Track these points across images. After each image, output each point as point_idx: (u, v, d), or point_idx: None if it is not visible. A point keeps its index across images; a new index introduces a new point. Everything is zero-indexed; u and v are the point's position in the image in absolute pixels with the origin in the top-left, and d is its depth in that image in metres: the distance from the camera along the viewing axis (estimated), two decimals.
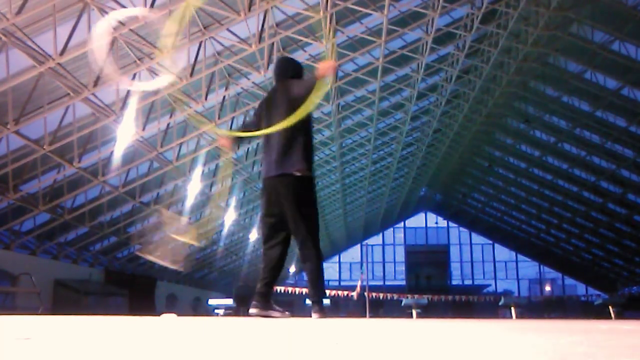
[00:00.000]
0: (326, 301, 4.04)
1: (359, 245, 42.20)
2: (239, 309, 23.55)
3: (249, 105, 18.13)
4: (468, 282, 43.30)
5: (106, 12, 12.09)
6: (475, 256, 44.06)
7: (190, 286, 31.40)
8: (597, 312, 25.03)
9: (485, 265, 43.76)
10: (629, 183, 24.30)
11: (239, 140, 4.63)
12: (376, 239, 44.45)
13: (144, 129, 15.89)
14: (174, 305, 27.49)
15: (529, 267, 43.09)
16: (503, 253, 43.43)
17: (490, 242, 43.34)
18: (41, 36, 12.12)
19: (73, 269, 20.36)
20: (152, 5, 12.15)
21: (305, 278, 4.20)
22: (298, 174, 4.03)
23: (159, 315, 6.64)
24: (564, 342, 1.84)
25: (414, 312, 20.92)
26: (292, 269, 37.02)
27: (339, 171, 26.60)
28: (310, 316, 4.06)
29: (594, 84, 19.77)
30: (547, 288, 43.11)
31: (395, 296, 29.71)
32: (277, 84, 4.38)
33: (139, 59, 13.76)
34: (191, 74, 14.56)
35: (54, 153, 14.57)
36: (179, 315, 7.01)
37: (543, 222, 34.29)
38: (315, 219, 4.13)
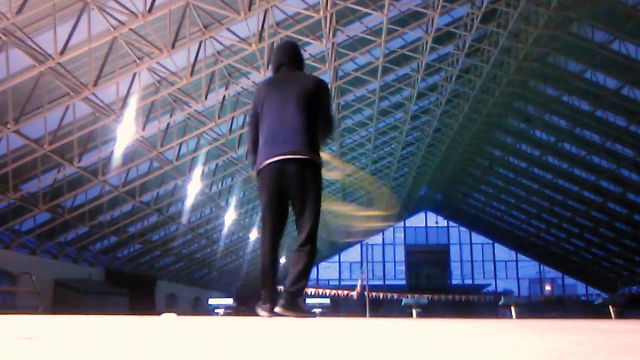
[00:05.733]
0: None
1: (359, 245, 42.21)
2: (239, 309, 23.56)
3: (249, 105, 18.11)
4: (468, 281, 43.30)
5: (106, 12, 12.09)
6: (475, 256, 44.07)
7: (190, 285, 31.42)
8: (597, 311, 25.04)
9: (485, 264, 43.76)
10: (629, 182, 24.31)
11: None
12: (376, 239, 44.43)
13: (144, 128, 15.90)
14: (174, 305, 27.51)
15: (529, 267, 43.10)
16: (503, 253, 43.43)
17: (490, 241, 43.34)
18: (41, 36, 12.13)
19: (73, 269, 20.38)
20: (152, 5, 12.15)
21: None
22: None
23: (159, 315, 6.65)
24: (564, 341, 1.84)
25: (414, 312, 20.93)
26: None
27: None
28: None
29: (594, 83, 19.77)
30: (547, 287, 43.11)
31: (395, 296, 29.73)
32: (286, 69, 3.98)
33: (139, 59, 13.76)
34: (191, 74, 14.56)
35: (54, 153, 14.57)
36: (179, 314, 7.01)
37: (543, 221, 34.29)
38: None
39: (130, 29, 12.68)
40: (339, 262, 44.39)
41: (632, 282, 33.41)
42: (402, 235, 44.85)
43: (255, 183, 4.05)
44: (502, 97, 22.98)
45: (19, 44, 11.64)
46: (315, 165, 3.77)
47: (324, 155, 4.02)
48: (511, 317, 21.67)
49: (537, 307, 34.30)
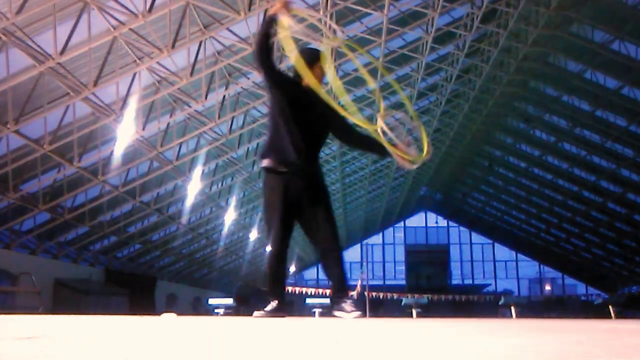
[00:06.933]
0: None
1: (359, 245, 42.22)
2: (239, 309, 23.55)
3: (249, 105, 18.14)
4: (468, 281, 43.30)
5: (106, 12, 12.09)
6: (475, 256, 44.07)
7: (190, 285, 31.41)
8: (597, 311, 25.07)
9: (485, 264, 43.76)
10: (629, 182, 24.30)
11: None
12: (376, 239, 44.43)
13: (144, 128, 15.90)
14: (174, 305, 27.49)
15: (529, 267, 43.10)
16: (503, 252, 43.44)
17: (490, 241, 43.34)
18: (41, 35, 12.13)
19: (73, 269, 20.37)
20: (152, 5, 12.15)
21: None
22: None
23: (159, 315, 6.64)
24: (564, 341, 1.84)
25: (414, 312, 20.96)
26: (292, 268, 37.05)
27: (339, 171, 26.59)
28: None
29: (594, 83, 19.76)
30: (547, 287, 43.10)
31: (396, 296, 29.72)
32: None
33: (139, 59, 13.76)
34: (191, 74, 14.56)
35: (54, 152, 14.57)
36: (179, 314, 7.01)
37: (543, 221, 34.28)
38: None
39: (130, 29, 12.68)
40: None
41: (632, 282, 33.39)
42: (402, 235, 44.86)
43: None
44: (502, 97, 22.97)
45: (19, 44, 11.64)
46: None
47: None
48: (511, 317, 21.68)
49: (537, 307, 34.24)
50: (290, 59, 3.91)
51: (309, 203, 3.87)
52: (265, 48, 3.80)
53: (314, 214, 3.87)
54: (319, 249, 3.92)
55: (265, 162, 3.83)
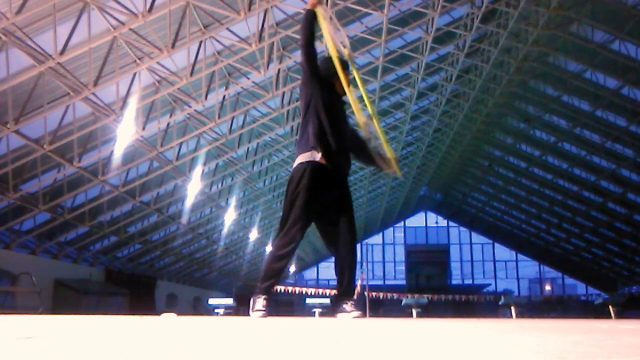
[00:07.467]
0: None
1: (358, 245, 42.15)
2: (239, 309, 23.55)
3: (249, 105, 18.13)
4: (468, 281, 43.30)
5: (106, 12, 12.09)
6: (475, 256, 44.08)
7: (190, 285, 31.43)
8: (597, 311, 25.05)
9: (485, 264, 43.77)
10: (629, 182, 24.29)
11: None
12: (376, 239, 44.44)
13: (144, 128, 15.90)
14: (174, 305, 27.51)
15: (529, 267, 43.10)
16: (503, 252, 43.45)
17: (490, 241, 43.36)
18: (41, 36, 12.12)
19: (73, 269, 20.37)
20: (152, 5, 12.14)
21: None
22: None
23: (159, 315, 6.64)
24: (564, 341, 1.84)
25: (414, 312, 20.96)
26: (292, 268, 37.05)
27: None
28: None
29: (594, 83, 19.75)
30: (547, 287, 43.11)
31: (396, 295, 29.71)
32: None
33: (139, 59, 13.76)
34: (191, 74, 14.56)
35: (54, 152, 14.57)
36: (179, 314, 7.01)
37: (543, 221, 34.28)
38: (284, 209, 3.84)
39: (130, 29, 12.68)
40: None
41: (632, 282, 33.40)
42: (402, 235, 44.87)
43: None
44: (502, 97, 22.96)
45: (19, 44, 11.64)
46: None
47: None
48: (511, 317, 21.68)
49: (537, 307, 34.26)
50: (331, 53, 3.91)
51: (335, 207, 3.81)
52: (312, 42, 3.89)
53: (337, 220, 3.81)
54: (336, 253, 3.89)
55: (317, 156, 3.73)
